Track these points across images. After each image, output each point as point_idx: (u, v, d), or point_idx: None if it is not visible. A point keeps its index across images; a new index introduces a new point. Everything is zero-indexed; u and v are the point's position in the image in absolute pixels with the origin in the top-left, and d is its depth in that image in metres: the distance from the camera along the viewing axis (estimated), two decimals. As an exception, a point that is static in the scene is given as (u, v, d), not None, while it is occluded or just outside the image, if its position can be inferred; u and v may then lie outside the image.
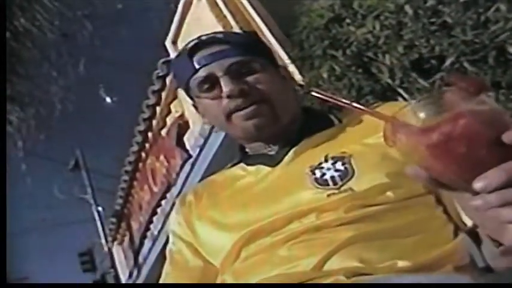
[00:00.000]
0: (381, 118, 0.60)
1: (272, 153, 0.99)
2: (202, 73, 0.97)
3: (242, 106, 0.95)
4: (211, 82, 0.97)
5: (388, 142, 0.57)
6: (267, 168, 0.98)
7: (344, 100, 0.63)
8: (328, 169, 0.88)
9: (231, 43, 0.98)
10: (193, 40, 1.00)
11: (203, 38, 0.99)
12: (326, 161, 0.90)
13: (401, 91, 2.86)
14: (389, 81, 2.89)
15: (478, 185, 0.53)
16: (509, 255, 0.58)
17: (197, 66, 0.97)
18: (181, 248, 1.01)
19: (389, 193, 0.84)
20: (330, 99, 0.64)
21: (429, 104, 0.56)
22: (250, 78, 0.96)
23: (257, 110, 0.95)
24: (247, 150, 1.05)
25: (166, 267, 1.03)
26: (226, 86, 0.94)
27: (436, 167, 0.56)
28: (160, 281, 1.03)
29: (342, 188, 0.85)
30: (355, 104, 0.63)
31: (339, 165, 0.88)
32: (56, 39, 5.11)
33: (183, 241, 1.01)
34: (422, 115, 0.56)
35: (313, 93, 0.66)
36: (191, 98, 1.05)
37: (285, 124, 0.99)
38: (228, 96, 0.95)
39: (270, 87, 0.97)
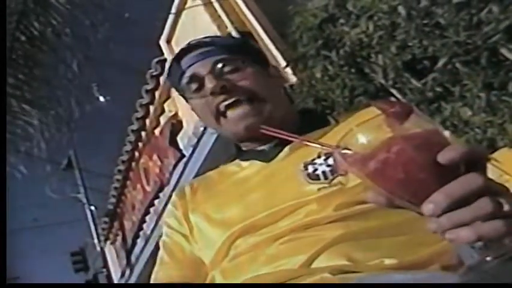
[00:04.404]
0: (327, 147, 0.61)
1: (266, 149, 1.00)
2: (188, 73, 1.02)
3: (226, 103, 0.97)
4: (198, 82, 1.00)
5: (339, 171, 0.57)
6: (261, 164, 0.98)
7: (291, 135, 0.67)
8: (320, 164, 0.89)
9: (216, 45, 1.03)
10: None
11: (191, 42, 1.04)
12: (319, 157, 0.90)
13: (394, 91, 2.87)
14: (383, 81, 2.90)
15: (426, 211, 0.53)
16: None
17: (184, 68, 1.02)
18: (179, 240, 1.01)
19: None
20: (277, 135, 0.68)
21: (368, 129, 0.57)
22: (233, 76, 0.99)
23: (245, 112, 0.97)
24: (242, 147, 1.06)
25: (163, 257, 1.02)
26: (208, 84, 0.98)
27: (384, 192, 0.56)
28: (155, 271, 1.02)
29: (332, 182, 0.86)
30: (300, 138, 0.68)
31: (330, 161, 0.89)
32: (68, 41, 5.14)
33: (180, 233, 1.01)
34: (362, 141, 0.56)
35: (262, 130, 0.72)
36: (187, 102, 1.08)
37: (278, 123, 0.98)
38: (211, 93, 0.98)
39: (253, 84, 0.99)
